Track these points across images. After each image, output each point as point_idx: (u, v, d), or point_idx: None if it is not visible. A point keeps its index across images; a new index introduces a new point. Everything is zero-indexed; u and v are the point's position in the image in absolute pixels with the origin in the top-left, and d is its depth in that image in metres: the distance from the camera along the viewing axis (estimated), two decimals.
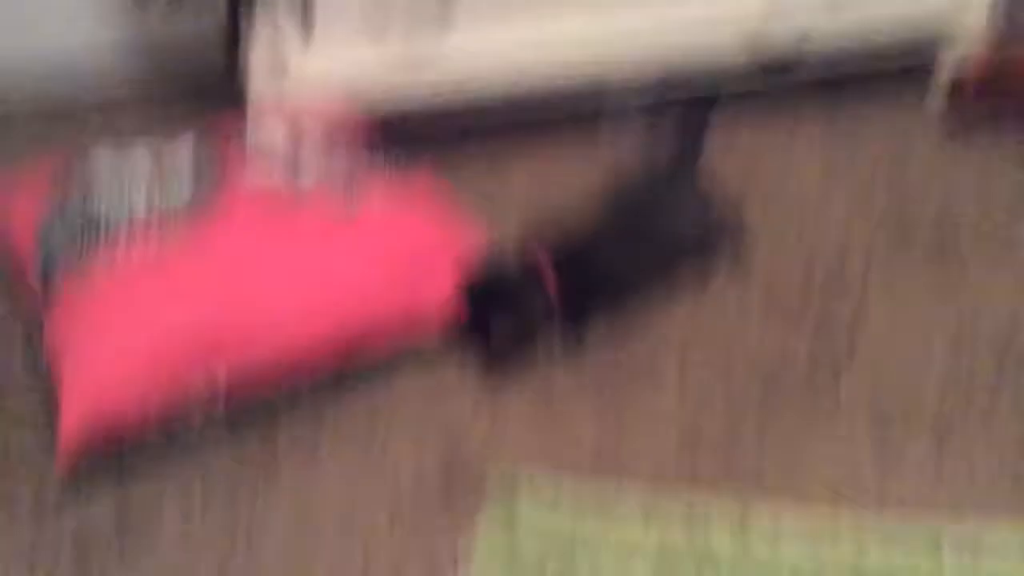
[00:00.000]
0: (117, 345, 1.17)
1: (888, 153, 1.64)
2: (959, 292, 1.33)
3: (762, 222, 1.44)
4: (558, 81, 1.68)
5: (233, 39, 1.98)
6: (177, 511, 1.12)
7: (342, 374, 1.26)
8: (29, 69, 1.95)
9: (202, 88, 2.04)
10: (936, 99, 1.75)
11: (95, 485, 1.15)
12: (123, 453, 1.17)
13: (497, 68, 1.65)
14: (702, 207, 1.36)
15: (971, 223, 1.46)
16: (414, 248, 1.33)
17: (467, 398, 1.24)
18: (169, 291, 1.21)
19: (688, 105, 1.77)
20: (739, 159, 1.63)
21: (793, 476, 1.11)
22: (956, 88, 1.70)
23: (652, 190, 1.36)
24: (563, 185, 1.61)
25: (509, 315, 1.22)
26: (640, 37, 1.64)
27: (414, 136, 1.65)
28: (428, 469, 1.15)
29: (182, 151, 1.41)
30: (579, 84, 1.70)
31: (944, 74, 1.74)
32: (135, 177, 1.36)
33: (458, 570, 1.04)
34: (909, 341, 1.26)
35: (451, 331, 1.30)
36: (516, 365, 1.26)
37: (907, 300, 1.33)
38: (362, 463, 1.16)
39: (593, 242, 1.29)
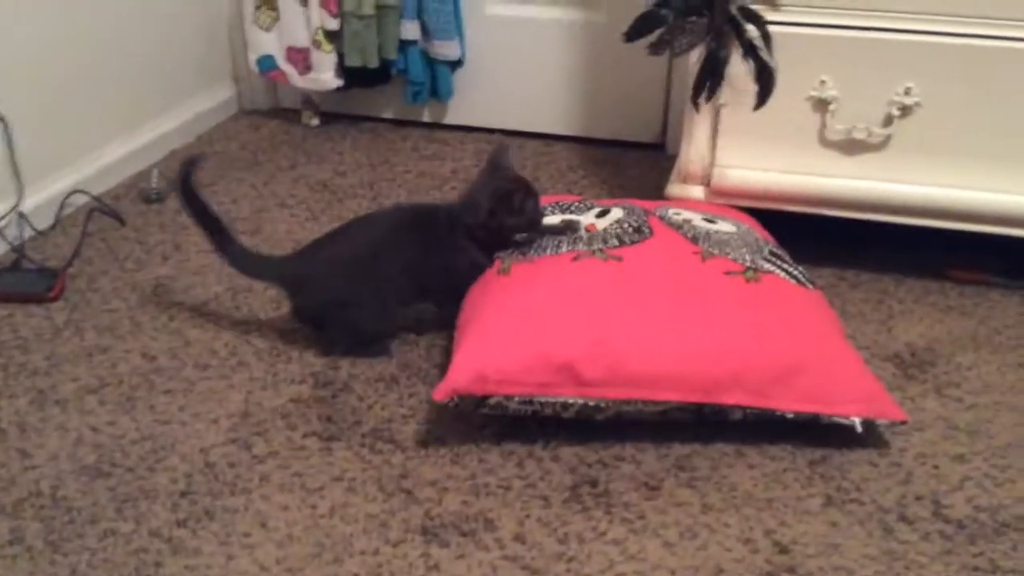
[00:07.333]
0: (515, 323, 1.32)
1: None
2: None
3: None
4: None
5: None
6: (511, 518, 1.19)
7: (698, 419, 1.29)
8: None
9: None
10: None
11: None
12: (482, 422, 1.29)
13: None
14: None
15: None
16: (800, 328, 1.35)
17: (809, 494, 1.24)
18: (571, 294, 1.34)
19: None
20: None
21: None
22: None
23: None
24: None
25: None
26: None
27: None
28: (752, 553, 1.15)
29: (613, 212, 1.53)
30: None
31: None
32: (573, 215, 1.51)
33: None
34: None
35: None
36: None
37: None
38: (687, 529, 1.18)
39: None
